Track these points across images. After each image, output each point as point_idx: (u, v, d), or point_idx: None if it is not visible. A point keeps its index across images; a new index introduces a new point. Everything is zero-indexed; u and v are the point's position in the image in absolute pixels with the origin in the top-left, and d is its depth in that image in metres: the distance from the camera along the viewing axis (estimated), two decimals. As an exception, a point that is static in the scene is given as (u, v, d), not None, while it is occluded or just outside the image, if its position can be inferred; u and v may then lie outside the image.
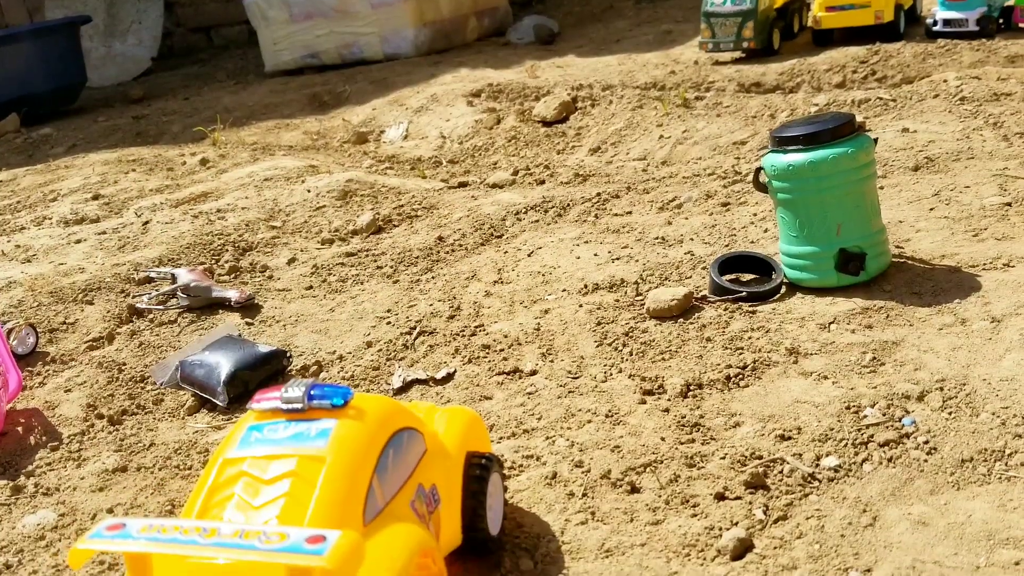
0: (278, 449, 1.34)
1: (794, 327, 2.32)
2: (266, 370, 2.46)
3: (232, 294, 2.93)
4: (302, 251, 3.36)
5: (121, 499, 2.03)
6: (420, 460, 1.47)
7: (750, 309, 2.44)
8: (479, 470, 1.58)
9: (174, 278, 3.05)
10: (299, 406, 1.37)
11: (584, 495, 1.81)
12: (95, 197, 4.21)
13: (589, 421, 2.06)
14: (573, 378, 2.26)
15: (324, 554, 1.07)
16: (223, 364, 2.41)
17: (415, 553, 1.29)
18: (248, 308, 2.92)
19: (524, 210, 3.42)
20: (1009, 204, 2.80)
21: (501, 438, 2.05)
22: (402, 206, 3.68)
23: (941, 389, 1.98)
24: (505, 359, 2.39)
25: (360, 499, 1.30)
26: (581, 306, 2.60)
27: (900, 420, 1.91)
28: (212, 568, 1.20)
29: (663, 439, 1.95)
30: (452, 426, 1.62)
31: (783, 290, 2.50)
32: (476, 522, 1.55)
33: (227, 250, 3.39)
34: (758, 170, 2.52)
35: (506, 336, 2.50)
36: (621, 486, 1.82)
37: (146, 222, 3.77)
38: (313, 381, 1.42)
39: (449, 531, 1.51)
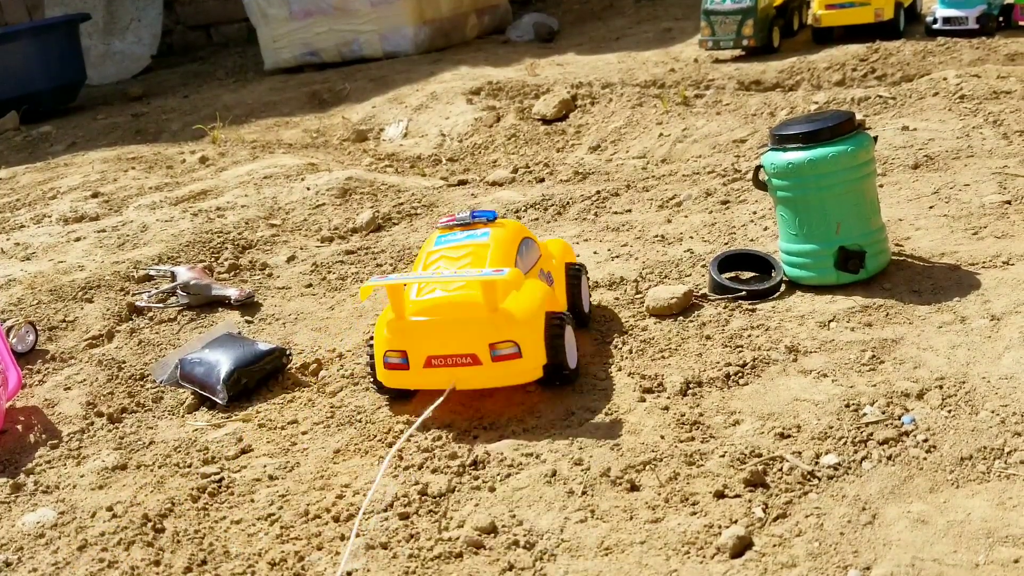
0: (460, 243, 2.21)
1: (794, 325, 2.32)
2: (266, 368, 2.46)
3: (232, 292, 2.93)
4: (302, 249, 3.36)
5: (121, 497, 2.03)
6: (539, 257, 2.30)
7: (750, 307, 2.44)
8: (575, 270, 2.42)
9: (174, 276, 3.05)
10: (468, 220, 2.26)
11: (584, 493, 1.82)
12: (94, 195, 4.21)
13: (589, 419, 2.06)
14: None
15: (504, 274, 2.01)
16: (223, 362, 2.42)
17: (548, 293, 2.18)
18: (248, 306, 2.93)
19: (524, 208, 3.42)
20: (1009, 202, 2.80)
21: (501, 436, 2.06)
22: (402, 204, 3.68)
23: (941, 387, 1.98)
24: (505, 357, 2.39)
25: (512, 264, 2.14)
26: (581, 304, 2.60)
27: (899, 418, 1.91)
28: (437, 287, 2.10)
29: (662, 437, 1.96)
30: (554, 246, 2.45)
31: (783, 288, 2.50)
32: (577, 304, 2.39)
33: (227, 248, 3.39)
34: (758, 168, 2.52)
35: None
36: (621, 484, 1.83)
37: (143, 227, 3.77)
38: (473, 208, 2.31)
39: (557, 307, 2.22)
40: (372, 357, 2.16)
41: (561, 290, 2.33)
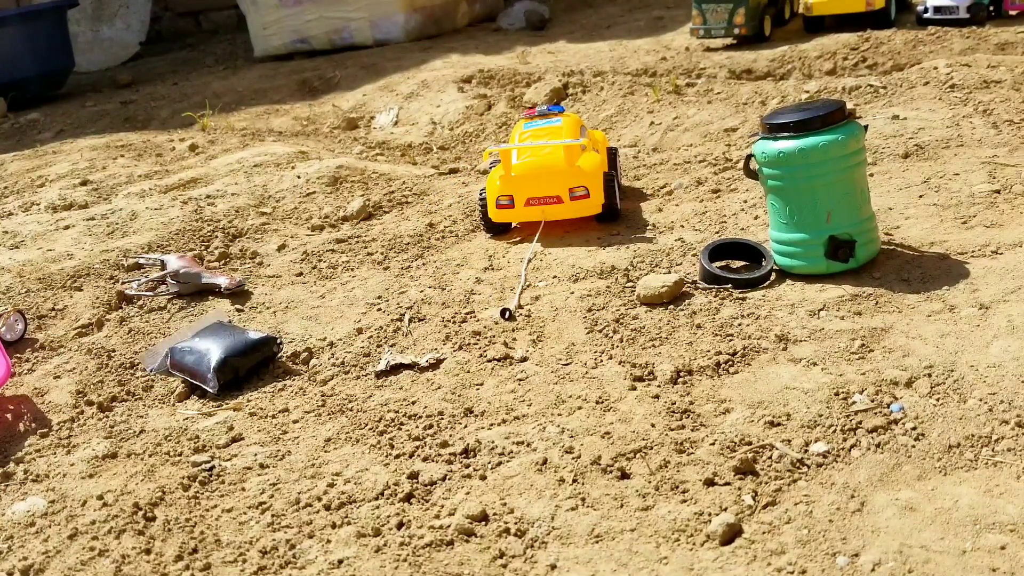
0: (541, 126, 3.18)
1: (784, 314, 2.33)
2: (257, 356, 2.46)
3: (222, 280, 2.93)
4: (292, 237, 3.35)
5: (112, 485, 2.03)
6: (591, 141, 3.19)
7: (740, 296, 2.45)
8: (612, 151, 3.26)
9: (163, 264, 3.04)
10: (545, 111, 3.27)
11: (575, 481, 1.82)
12: (83, 183, 4.18)
13: (579, 407, 2.07)
14: (564, 364, 2.27)
15: (578, 141, 3.00)
16: (213, 351, 2.41)
17: (602, 159, 3.08)
18: (238, 294, 2.92)
19: (515, 197, 3.41)
20: (998, 191, 2.81)
21: (492, 424, 2.06)
22: (392, 192, 3.67)
23: (929, 375, 1.99)
24: (496, 345, 2.40)
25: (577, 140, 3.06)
26: (572, 292, 2.61)
27: (888, 406, 1.92)
28: (534, 152, 3.03)
29: (653, 425, 1.96)
30: (599, 135, 3.35)
31: (773, 277, 2.51)
32: (614, 173, 3.10)
33: (217, 236, 3.38)
34: (749, 157, 2.52)
35: (497, 323, 2.51)
36: (611, 472, 1.83)
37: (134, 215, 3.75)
38: (549, 105, 3.53)
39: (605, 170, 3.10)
40: (484, 205, 3.05)
41: (604, 162, 3.14)
